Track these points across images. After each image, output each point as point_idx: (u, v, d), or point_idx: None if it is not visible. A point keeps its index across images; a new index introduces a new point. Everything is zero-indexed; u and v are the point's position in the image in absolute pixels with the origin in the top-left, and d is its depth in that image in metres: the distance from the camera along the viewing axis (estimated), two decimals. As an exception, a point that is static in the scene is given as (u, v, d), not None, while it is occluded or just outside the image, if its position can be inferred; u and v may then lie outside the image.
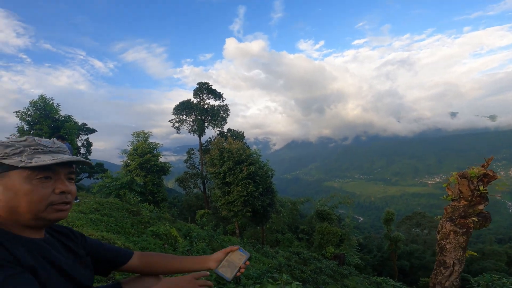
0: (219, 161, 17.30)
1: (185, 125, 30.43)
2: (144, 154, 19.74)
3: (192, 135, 30.39)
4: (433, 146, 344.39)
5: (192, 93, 30.75)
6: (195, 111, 29.86)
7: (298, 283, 4.46)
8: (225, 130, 30.66)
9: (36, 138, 0.92)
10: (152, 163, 19.71)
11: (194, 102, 30.18)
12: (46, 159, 0.86)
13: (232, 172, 16.42)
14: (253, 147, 20.85)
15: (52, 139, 0.99)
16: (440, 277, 4.66)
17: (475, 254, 5.56)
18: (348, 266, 15.82)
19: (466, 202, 4.78)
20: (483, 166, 4.91)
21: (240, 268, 1.26)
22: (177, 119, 30.39)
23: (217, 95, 30.63)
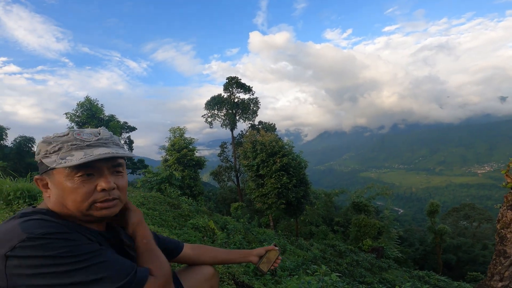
0: (252, 153, 17.48)
1: (217, 120, 31.01)
2: (181, 149, 20.58)
3: (224, 129, 30.92)
4: (482, 133, 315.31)
5: (221, 88, 31.07)
6: (226, 105, 30.29)
7: (337, 273, 4.42)
8: (256, 123, 30.81)
9: (76, 132, 0.89)
10: (189, 157, 20.49)
11: (225, 96, 30.56)
12: (76, 158, 0.82)
13: (266, 164, 16.51)
14: (285, 139, 20.68)
15: (98, 129, 0.95)
16: (500, 267, 4.35)
17: None
18: (387, 259, 15.27)
19: None
20: None
21: (274, 263, 1.42)
22: (209, 114, 31.06)
23: (247, 89, 30.74)
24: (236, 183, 30.14)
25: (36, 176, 0.90)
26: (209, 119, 31.10)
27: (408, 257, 24.33)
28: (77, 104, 22.33)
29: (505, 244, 4.33)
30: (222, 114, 30.80)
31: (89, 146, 0.87)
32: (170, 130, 22.47)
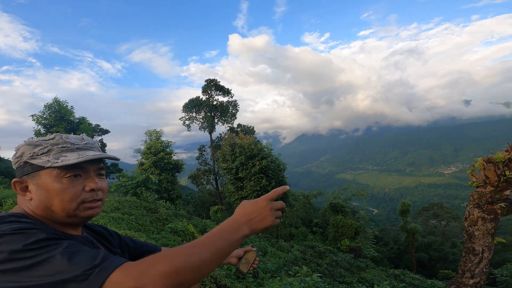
0: (231, 156, 17.39)
1: (195, 122, 30.65)
2: (157, 152, 20.03)
3: (202, 132, 30.62)
4: (448, 135, 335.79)
5: (200, 90, 30.94)
6: (204, 108, 30.02)
7: (318, 274, 4.47)
8: (235, 125, 30.75)
9: (64, 136, 0.91)
10: (166, 161, 19.99)
11: (203, 99, 30.34)
12: (72, 158, 0.85)
13: (245, 167, 16.49)
14: (264, 142, 20.81)
15: (81, 135, 0.97)
16: (470, 264, 4.46)
17: (504, 240, 5.34)
18: (365, 259, 15.67)
19: (492, 188, 4.80)
20: (507, 151, 4.82)
21: (252, 263, 1.41)
22: (187, 117, 30.63)
23: (225, 91, 30.68)
24: (215, 186, 29.85)
25: (15, 179, 0.87)
26: (187, 122, 30.65)
27: (384, 256, 25.19)
28: (45, 106, 21.12)
29: (473, 242, 4.53)
30: (201, 116, 30.47)
31: (78, 149, 0.90)
32: (146, 133, 21.82)
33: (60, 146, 0.87)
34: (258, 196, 15.79)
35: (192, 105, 30.23)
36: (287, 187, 1.07)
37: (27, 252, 0.68)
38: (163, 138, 21.74)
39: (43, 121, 20.63)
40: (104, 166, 0.96)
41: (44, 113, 20.87)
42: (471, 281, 4.52)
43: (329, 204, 27.49)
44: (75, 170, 0.86)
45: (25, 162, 0.86)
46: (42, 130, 20.32)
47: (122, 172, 15.38)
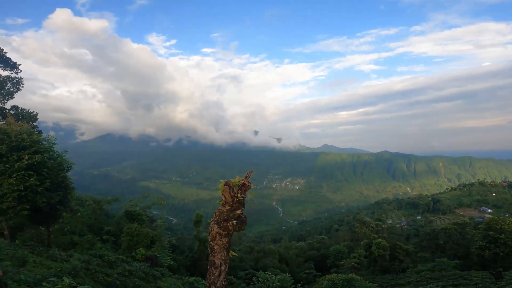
0: (-16, 143, 12.94)
1: None
2: None
3: None
4: (239, 157, 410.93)
5: None
6: (-44, 73, 21.05)
7: (86, 286, 4.30)
8: (8, 106, 23.38)
9: None
10: None
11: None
12: None
13: (5, 159, 12.75)
14: (49, 133, 17.13)
15: None
16: (213, 277, 4.84)
17: (236, 254, 6.11)
18: (161, 268, 15.96)
19: (229, 207, 5.25)
20: (245, 177, 5.70)
21: None
22: None
23: (9, 64, 23.63)
24: None
25: None
26: None
27: (180, 264, 26.40)
28: None
29: (214, 255, 5.21)
30: None
31: None
32: None
33: None
34: (21, 197, 12.64)
35: None
36: None
37: None
38: None
39: None
40: None
41: None
42: None
43: (124, 212, 26.01)
44: None
45: None
46: None
47: None
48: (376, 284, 16.11)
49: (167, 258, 21.26)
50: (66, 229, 21.51)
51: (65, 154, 16.39)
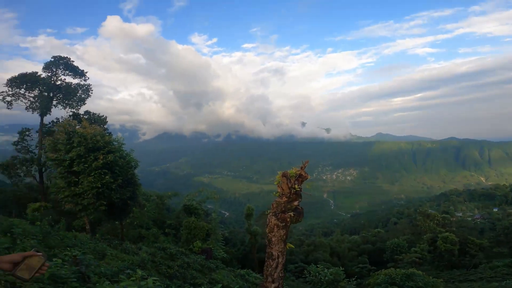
0: (65, 146, 14.74)
1: (21, 100, 24.52)
2: None
3: (31, 113, 24.67)
4: (287, 150, 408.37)
5: (41, 66, 25.82)
6: (40, 86, 24.82)
7: (155, 278, 4.58)
8: (81, 112, 26.45)
9: None
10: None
11: (42, 76, 25.30)
12: None
13: (83, 160, 14.36)
14: (118, 134, 18.90)
15: None
16: (270, 269, 4.82)
17: (293, 246, 6.07)
18: (215, 260, 16.62)
19: (286, 199, 5.23)
20: (301, 168, 5.54)
21: (39, 269, 1.34)
22: (10, 92, 24.28)
23: (78, 73, 26.77)
24: (37, 179, 24.34)
25: None
26: (9, 98, 24.15)
27: (232, 257, 27.41)
28: None
29: (272, 247, 5.22)
30: (32, 95, 24.62)
31: None
32: None
33: None
34: (99, 193, 14.05)
35: (23, 81, 24.79)
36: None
37: None
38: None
39: None
40: None
41: None
42: (273, 286, 5.10)
43: (183, 206, 27.69)
44: None
45: None
46: None
47: None
48: (441, 280, 14.56)
49: (221, 251, 21.89)
50: (135, 223, 23.42)
51: (132, 153, 17.90)
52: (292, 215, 5.03)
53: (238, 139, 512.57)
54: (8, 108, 24.22)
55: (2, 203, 23.47)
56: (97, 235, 15.30)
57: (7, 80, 24.35)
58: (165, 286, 6.34)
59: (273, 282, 5.08)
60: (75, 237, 9.60)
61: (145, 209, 24.87)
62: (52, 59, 25.61)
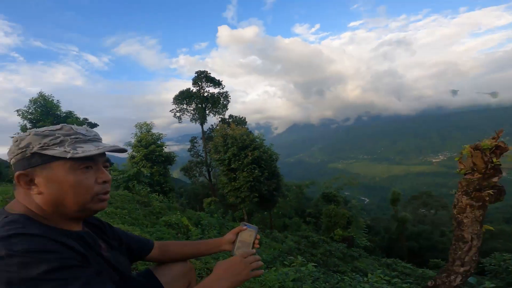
0: (223, 147, 17.33)
1: (186, 114, 30.58)
2: (148, 145, 19.76)
3: (194, 123, 30.53)
4: (436, 124, 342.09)
5: (189, 82, 31.30)
6: (195, 99, 29.95)
7: (313, 263, 4.52)
8: (226, 116, 30.76)
9: (73, 127, 0.86)
10: (157, 153, 19.76)
11: (194, 90, 30.28)
12: (90, 149, 0.82)
13: (237, 158, 16.48)
14: (256, 132, 20.77)
15: (83, 126, 0.93)
16: (460, 252, 4.39)
17: (492, 228, 5.27)
18: (357, 249, 15.90)
19: (480, 175, 4.78)
20: (493, 138, 4.81)
21: (253, 243, 1.27)
22: (177, 109, 30.54)
23: (216, 83, 30.70)
24: (208, 178, 29.85)
25: (20, 172, 0.80)
26: (178, 114, 30.55)
27: (375, 246, 25.53)
28: (30, 101, 20.48)
29: (463, 229, 4.49)
30: (192, 108, 30.35)
31: (90, 140, 0.87)
32: (136, 126, 21.46)
33: (72, 137, 0.83)
34: (252, 187, 15.75)
35: (183, 97, 30.06)
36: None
37: (40, 283, 0.65)
38: (154, 131, 21.44)
39: (28, 116, 20.04)
40: (109, 158, 0.93)
41: (29, 108, 20.25)
42: (462, 269, 4.45)
43: (321, 194, 27.81)
44: (88, 162, 0.83)
45: (33, 153, 0.79)
46: (28, 125, 19.78)
47: (113, 165, 15.13)
48: None
49: (363, 239, 20.36)
50: (280, 212, 25.18)
51: (272, 147, 19.21)
52: (492, 193, 4.31)
53: (370, 120, 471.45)
54: (179, 122, 31.21)
55: (187, 199, 30.42)
56: (253, 224, 17.22)
57: (173, 98, 30.50)
58: (322, 272, 6.13)
59: (462, 265, 4.35)
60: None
61: (287, 199, 26.22)
62: (196, 75, 30.18)
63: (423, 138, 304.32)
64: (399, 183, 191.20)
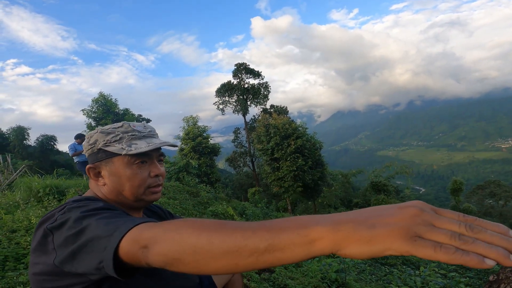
0: (265, 137, 17.46)
1: (228, 106, 31.21)
2: (195, 137, 20.81)
3: (236, 115, 31.09)
4: (503, 107, 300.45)
5: (230, 75, 31.18)
6: (236, 91, 30.41)
7: None
8: (268, 107, 30.75)
9: (131, 124, 0.96)
10: (204, 145, 20.73)
11: (234, 83, 30.68)
12: (142, 146, 0.90)
13: (280, 147, 16.49)
14: (298, 121, 20.47)
15: (142, 122, 1.03)
16: None
17: None
18: None
19: None
20: None
21: None
22: (220, 101, 31.28)
23: (256, 74, 30.79)
24: (251, 168, 30.41)
25: (90, 165, 0.94)
26: (221, 106, 31.31)
27: None
28: (92, 100, 22.84)
29: None
30: (233, 100, 30.90)
31: (145, 136, 0.96)
32: (183, 120, 22.69)
33: (129, 134, 0.92)
34: (295, 176, 15.70)
35: (224, 90, 30.72)
36: None
37: (89, 215, 0.71)
38: (199, 123, 22.47)
39: (92, 115, 22.41)
40: (163, 153, 1.02)
41: (92, 107, 22.61)
42: None
43: (370, 183, 26.51)
44: (143, 157, 0.91)
45: (99, 149, 0.92)
46: (93, 123, 22.07)
47: (165, 158, 16.27)
48: None
49: None
50: (325, 202, 24.51)
51: (315, 136, 18.79)
52: None
53: (425, 104, 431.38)
54: (222, 114, 32.14)
55: (232, 189, 31.44)
56: (297, 215, 17.20)
57: (215, 91, 31.29)
58: (368, 264, 5.94)
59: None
60: (283, 216, 11.10)
61: (333, 188, 25.51)
62: (236, 67, 30.70)
63: (490, 122, 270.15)
64: (461, 171, 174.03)
